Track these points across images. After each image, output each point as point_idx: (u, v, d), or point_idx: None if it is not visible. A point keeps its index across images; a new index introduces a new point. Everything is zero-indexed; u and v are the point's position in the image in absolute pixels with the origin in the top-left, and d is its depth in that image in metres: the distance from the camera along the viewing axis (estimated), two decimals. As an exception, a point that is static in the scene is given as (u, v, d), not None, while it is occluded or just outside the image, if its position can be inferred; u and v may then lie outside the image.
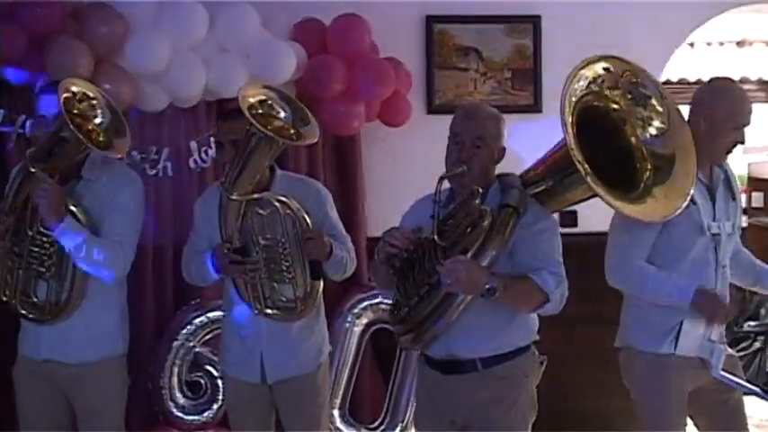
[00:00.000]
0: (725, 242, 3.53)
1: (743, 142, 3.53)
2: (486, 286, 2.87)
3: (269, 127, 3.25)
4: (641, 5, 5.37)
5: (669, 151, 3.20)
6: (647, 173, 3.17)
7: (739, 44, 7.43)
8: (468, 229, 2.99)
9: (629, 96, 3.17)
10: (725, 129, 3.43)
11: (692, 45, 7.22)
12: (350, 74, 4.69)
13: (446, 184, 3.17)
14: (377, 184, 5.08)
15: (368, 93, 4.75)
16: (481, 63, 5.28)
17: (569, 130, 2.95)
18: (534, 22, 5.29)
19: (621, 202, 3.05)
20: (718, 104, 3.44)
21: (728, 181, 3.60)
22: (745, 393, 3.59)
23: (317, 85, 4.64)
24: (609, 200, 2.98)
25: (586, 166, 2.92)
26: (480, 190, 3.02)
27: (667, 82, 6.87)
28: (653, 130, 3.20)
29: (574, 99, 3.04)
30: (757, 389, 3.44)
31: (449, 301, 2.98)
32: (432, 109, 5.21)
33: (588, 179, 2.92)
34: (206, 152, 4.63)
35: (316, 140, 3.51)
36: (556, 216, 4.52)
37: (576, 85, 3.06)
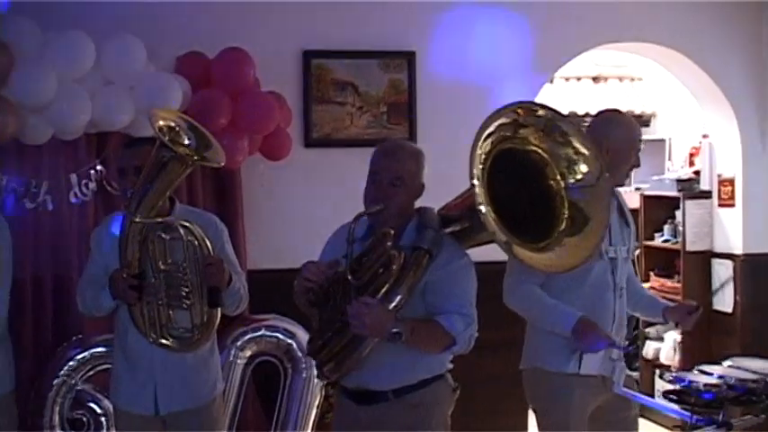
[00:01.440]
0: (621, 266, 3.85)
1: (639, 165, 3.89)
2: (393, 330, 3.03)
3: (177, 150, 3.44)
4: (513, 43, 5.84)
5: (587, 206, 3.25)
6: (562, 223, 3.24)
7: (595, 79, 8.06)
8: (380, 271, 3.10)
9: (549, 137, 3.22)
10: (627, 154, 3.79)
11: (551, 81, 7.74)
12: (234, 108, 4.91)
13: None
14: (256, 217, 5.33)
15: (252, 127, 4.99)
16: (358, 97, 5.63)
17: (476, 176, 2.99)
18: (409, 57, 5.68)
19: (526, 252, 3.10)
20: (617, 133, 3.78)
21: (621, 208, 3.94)
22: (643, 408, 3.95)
23: (201, 119, 4.73)
24: (503, 247, 3.02)
25: (492, 213, 2.98)
26: (392, 232, 3.14)
27: None
28: (577, 177, 3.25)
29: (486, 150, 3.06)
30: (654, 401, 3.82)
31: (360, 339, 3.10)
32: (309, 143, 5.51)
33: (488, 223, 2.96)
34: (86, 185, 4.76)
35: (222, 163, 3.71)
36: None
37: (491, 130, 3.08)
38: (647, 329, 7.20)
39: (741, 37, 6.52)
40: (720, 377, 3.53)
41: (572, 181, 3.23)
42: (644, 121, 8.11)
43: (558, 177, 3.23)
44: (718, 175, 6.78)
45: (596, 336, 3.67)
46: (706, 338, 6.52)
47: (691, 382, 3.46)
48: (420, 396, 3.29)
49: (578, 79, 8.11)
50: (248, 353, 5.05)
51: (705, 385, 3.40)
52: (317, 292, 3.23)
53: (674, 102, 7.66)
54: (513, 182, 3.17)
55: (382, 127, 5.66)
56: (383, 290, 3.08)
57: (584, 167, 3.24)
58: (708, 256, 6.80)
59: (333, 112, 5.62)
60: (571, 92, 7.98)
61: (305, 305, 3.33)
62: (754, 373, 3.60)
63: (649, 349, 7.16)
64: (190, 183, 4.99)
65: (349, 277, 3.13)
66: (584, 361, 3.75)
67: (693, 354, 6.51)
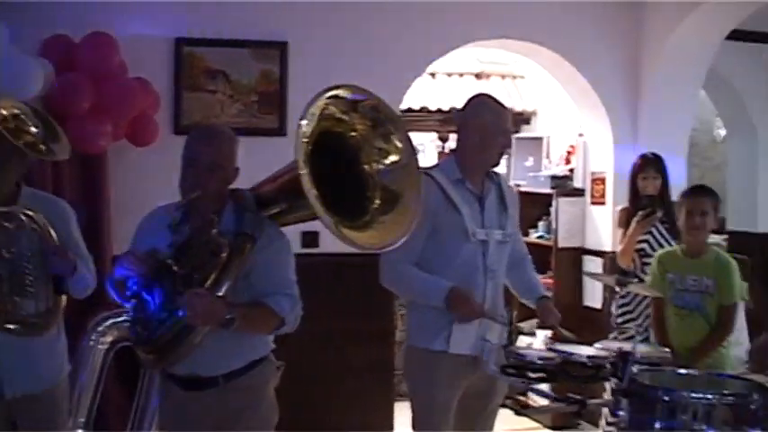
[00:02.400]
0: (494, 249, 4.07)
1: (510, 146, 4.22)
2: (226, 317, 3.17)
3: (20, 141, 3.50)
4: (384, 36, 6.16)
5: (398, 188, 3.44)
6: (375, 204, 3.41)
7: (478, 76, 8.33)
8: (206, 260, 3.22)
9: (370, 125, 3.41)
10: (494, 136, 4.05)
11: (433, 75, 8.07)
12: (97, 92, 5.05)
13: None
14: (123, 204, 5.43)
15: (115, 111, 5.15)
16: (229, 86, 5.85)
17: (301, 159, 3.09)
18: (281, 47, 5.92)
19: (349, 230, 3.24)
20: (485, 116, 4.06)
21: (502, 193, 4.19)
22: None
23: (63, 102, 4.96)
24: (334, 228, 3.15)
25: (315, 192, 3.09)
26: (216, 219, 3.28)
27: (409, 110, 7.67)
28: (387, 163, 3.45)
29: (311, 126, 3.19)
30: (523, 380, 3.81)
31: (190, 328, 3.20)
32: (179, 130, 5.70)
33: (316, 207, 3.08)
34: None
35: (66, 157, 3.82)
36: (297, 236, 5.21)
37: (314, 110, 3.20)
38: (520, 324, 7.61)
39: (615, 39, 6.92)
40: (557, 351, 3.77)
41: (381, 166, 3.42)
42: (524, 118, 8.44)
43: (372, 162, 3.42)
44: (591, 174, 7.17)
45: (469, 305, 3.91)
46: (576, 333, 6.91)
47: (527, 355, 3.72)
48: (249, 378, 3.45)
49: (461, 75, 8.37)
50: (109, 338, 5.17)
51: (539, 358, 3.64)
52: (139, 282, 3.31)
53: (553, 101, 7.99)
54: (330, 162, 3.30)
55: (252, 116, 5.90)
56: (211, 280, 3.21)
57: (394, 157, 3.44)
58: (579, 253, 7.20)
59: (204, 100, 5.84)
60: (453, 87, 8.22)
61: (123, 296, 3.43)
62: (605, 350, 3.82)
63: (522, 344, 7.47)
64: (56, 168, 5.08)
65: (174, 267, 3.24)
66: (453, 340, 3.96)
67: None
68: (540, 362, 3.51)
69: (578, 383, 3.82)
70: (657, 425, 2.67)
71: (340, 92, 3.32)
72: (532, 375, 3.45)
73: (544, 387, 4.10)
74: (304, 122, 3.15)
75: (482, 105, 4.17)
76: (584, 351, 3.63)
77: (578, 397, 2.96)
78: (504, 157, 4.56)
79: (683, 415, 2.64)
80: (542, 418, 7.07)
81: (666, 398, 2.69)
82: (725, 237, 8.55)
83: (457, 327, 3.97)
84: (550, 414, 6.96)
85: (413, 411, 4.18)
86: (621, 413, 2.79)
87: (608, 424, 5.04)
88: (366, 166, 3.42)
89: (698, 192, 5.00)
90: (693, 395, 2.68)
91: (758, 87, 8.59)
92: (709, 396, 2.68)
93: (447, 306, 3.93)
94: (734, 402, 2.68)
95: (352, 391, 6.13)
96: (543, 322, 4.31)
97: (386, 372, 6.39)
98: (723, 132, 9.92)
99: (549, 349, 3.60)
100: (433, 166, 4.31)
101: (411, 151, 3.51)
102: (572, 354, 3.53)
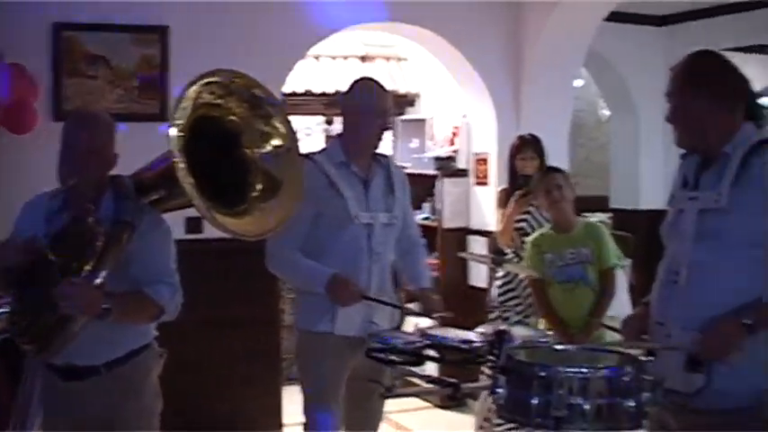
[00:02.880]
0: (379, 232, 4.17)
1: (389, 128, 4.33)
2: (103, 307, 3.16)
3: None
4: (267, 19, 6.21)
5: (279, 174, 3.49)
6: (256, 189, 3.47)
7: (362, 59, 8.46)
8: (83, 248, 3.21)
9: (252, 111, 3.45)
10: (371, 117, 4.15)
11: (317, 58, 8.15)
12: None
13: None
14: (4, 192, 5.34)
15: None
16: (109, 71, 5.83)
17: (175, 148, 3.13)
18: (162, 32, 5.92)
19: (223, 216, 3.27)
20: (362, 98, 4.19)
21: (389, 176, 4.29)
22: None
23: None
24: (209, 215, 3.18)
25: (191, 180, 3.13)
26: (93, 207, 3.27)
27: (293, 93, 7.75)
28: (270, 148, 3.51)
29: (188, 111, 3.21)
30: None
31: (68, 318, 3.19)
32: (59, 116, 5.60)
33: (192, 195, 3.12)
34: None
35: None
36: (181, 221, 5.27)
37: (190, 93, 3.23)
38: (409, 305, 7.78)
39: (497, 21, 7.11)
40: (429, 337, 3.72)
41: (264, 151, 3.48)
42: (408, 101, 8.58)
43: (254, 147, 3.48)
44: (475, 155, 7.36)
45: (349, 292, 4.00)
46: (463, 313, 7.14)
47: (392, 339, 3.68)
48: (131, 367, 3.48)
49: (345, 58, 8.47)
50: (-9, 330, 5.24)
51: (406, 342, 3.62)
52: (18, 271, 3.30)
53: (437, 83, 8.14)
54: (210, 148, 3.36)
55: (133, 101, 5.90)
56: (89, 266, 3.20)
57: (276, 141, 3.51)
58: (464, 233, 7.39)
59: (84, 86, 5.81)
60: (338, 70, 8.31)
61: (1, 287, 3.45)
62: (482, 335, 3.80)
63: (410, 325, 7.68)
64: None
65: (51, 256, 3.24)
66: (338, 322, 4.07)
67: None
68: (404, 346, 3.52)
69: (454, 366, 3.98)
70: (534, 400, 2.71)
71: (214, 77, 3.34)
72: (397, 359, 3.44)
73: (430, 369, 4.22)
74: (177, 113, 3.19)
75: (359, 88, 4.29)
76: (459, 335, 3.75)
77: (452, 380, 3.07)
78: (390, 138, 4.74)
79: (560, 389, 2.68)
80: (431, 398, 7.22)
81: (543, 373, 2.73)
82: (609, 215, 8.90)
83: (342, 309, 4.07)
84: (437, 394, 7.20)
85: (303, 393, 4.28)
86: (500, 390, 2.80)
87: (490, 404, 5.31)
88: (248, 151, 3.48)
89: (548, 171, 5.36)
90: (569, 370, 2.74)
91: (639, 68, 8.91)
92: (584, 370, 2.75)
93: (327, 293, 4.03)
94: (607, 375, 2.75)
95: (240, 377, 6.21)
96: (425, 311, 4.40)
97: (273, 357, 6.47)
98: (607, 113, 10.25)
99: (422, 334, 3.68)
100: (319, 151, 4.37)
101: (293, 136, 3.58)
102: (444, 338, 3.58)
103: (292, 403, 5.43)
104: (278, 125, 3.53)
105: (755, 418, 2.89)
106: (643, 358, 2.88)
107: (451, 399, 2.94)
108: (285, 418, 6.46)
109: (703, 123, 3.15)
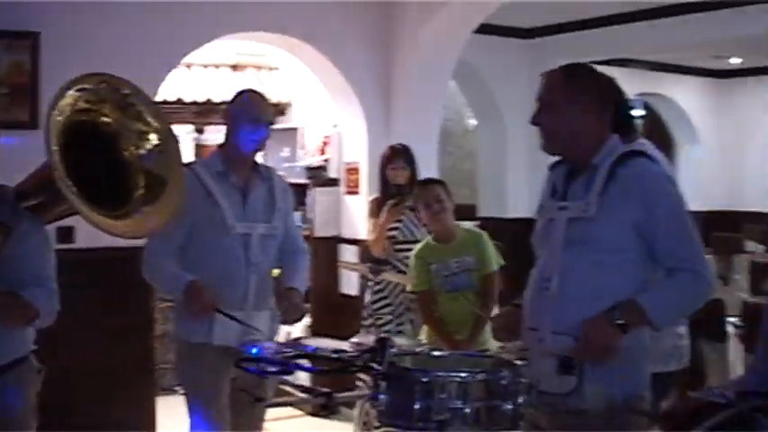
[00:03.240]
0: (256, 242, 4.23)
1: (264, 137, 4.32)
2: None
3: None
4: (139, 27, 6.23)
5: (162, 172, 3.58)
6: (140, 190, 3.54)
7: (234, 68, 8.56)
8: None
9: (123, 112, 3.52)
10: (248, 128, 4.24)
11: (189, 66, 8.20)
12: None
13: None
14: None
15: None
16: None
17: (53, 150, 3.21)
18: (33, 38, 5.84)
19: (106, 219, 3.35)
20: (238, 109, 4.29)
21: (272, 186, 4.36)
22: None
23: None
24: (92, 218, 3.27)
25: (70, 183, 3.20)
26: None
27: (164, 102, 7.73)
28: (148, 147, 3.59)
29: (60, 118, 3.30)
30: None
31: None
32: None
33: (72, 198, 3.19)
34: None
35: None
36: (52, 232, 5.27)
37: (64, 102, 3.32)
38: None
39: (368, 32, 7.26)
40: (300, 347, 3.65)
41: (143, 151, 3.58)
42: (279, 110, 8.65)
43: (132, 148, 3.57)
44: (346, 164, 7.51)
45: (201, 302, 4.05)
46: (335, 320, 7.32)
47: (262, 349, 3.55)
48: (5, 380, 3.47)
49: (217, 67, 8.56)
50: None
51: (275, 352, 3.50)
52: None
53: (308, 92, 8.27)
54: (89, 153, 3.43)
55: (3, 109, 5.81)
56: None
57: (154, 138, 3.61)
58: (335, 242, 7.52)
59: (-47, 94, 5.59)
60: (210, 79, 8.40)
61: None
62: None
63: (282, 332, 7.80)
64: None
65: None
66: (216, 332, 4.11)
67: (323, 335, 7.28)
68: (273, 356, 3.40)
69: (328, 375, 4.10)
70: (417, 405, 2.78)
71: (83, 83, 3.41)
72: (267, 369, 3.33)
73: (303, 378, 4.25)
74: (50, 121, 3.26)
75: (240, 99, 4.39)
76: (331, 345, 3.78)
77: (325, 390, 3.12)
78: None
79: (441, 394, 2.76)
80: (305, 406, 7.32)
81: (424, 379, 2.80)
82: (476, 222, 9.16)
83: (219, 319, 4.10)
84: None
85: (186, 403, 4.32)
86: (382, 397, 2.88)
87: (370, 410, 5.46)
88: (126, 153, 3.55)
89: (427, 183, 5.45)
90: (449, 375, 2.82)
91: (505, 79, 9.25)
92: (463, 375, 2.84)
93: (184, 299, 4.10)
94: (486, 379, 2.85)
95: (113, 387, 6.17)
96: (279, 309, 4.40)
97: (147, 367, 6.49)
98: (474, 122, 10.56)
99: (294, 344, 3.71)
100: (199, 160, 4.48)
101: (169, 133, 3.67)
102: (316, 348, 3.52)
103: (167, 413, 5.45)
104: (151, 120, 3.61)
105: (624, 416, 3.06)
106: (518, 362, 3.00)
107: (324, 408, 2.98)
108: (159, 429, 6.50)
109: (575, 132, 3.28)
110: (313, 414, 7.41)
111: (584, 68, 3.40)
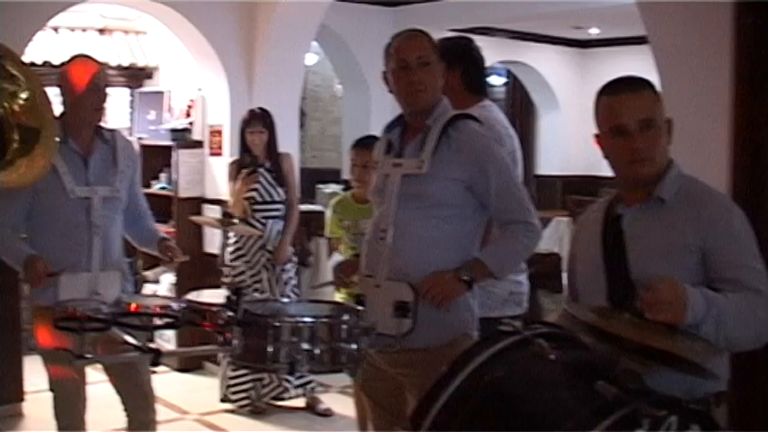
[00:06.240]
0: (98, 205, 4.22)
1: (102, 102, 4.29)
2: None
3: None
4: None
5: (35, 125, 3.70)
6: (14, 144, 3.64)
7: (101, 31, 8.59)
8: None
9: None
10: (84, 95, 4.17)
11: (56, 30, 8.21)
12: None
13: None
14: None
15: None
16: None
17: None
18: None
19: None
20: (68, 75, 4.21)
21: (114, 150, 4.35)
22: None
23: None
24: None
25: None
26: None
27: (32, 64, 7.57)
28: (20, 102, 3.69)
29: None
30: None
31: None
32: None
33: None
34: None
35: None
36: None
37: None
38: (145, 272, 8.08)
39: (232, -3, 7.31)
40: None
41: (16, 107, 3.69)
42: (146, 73, 8.80)
43: (6, 104, 3.67)
44: (210, 127, 7.71)
45: (36, 273, 4.07)
46: (199, 279, 7.48)
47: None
48: None
49: (84, 30, 8.57)
50: None
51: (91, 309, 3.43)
52: None
53: (174, 56, 8.39)
54: None
55: None
56: None
57: (24, 94, 3.71)
58: (199, 202, 7.73)
59: None
60: (77, 42, 8.38)
61: None
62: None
63: (147, 291, 7.86)
64: None
65: None
66: (61, 294, 4.06)
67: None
68: (93, 314, 3.31)
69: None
70: (269, 348, 2.96)
71: None
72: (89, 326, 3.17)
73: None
74: None
75: (72, 66, 4.32)
76: (157, 302, 3.77)
77: (152, 345, 3.18)
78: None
79: (291, 337, 2.96)
80: (170, 362, 7.59)
81: (276, 323, 2.98)
82: (343, 186, 9.44)
83: (64, 281, 4.13)
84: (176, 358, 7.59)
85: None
86: (237, 342, 3.02)
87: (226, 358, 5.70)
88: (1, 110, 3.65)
89: (361, 145, 5.45)
90: (298, 319, 3.03)
91: (370, 45, 9.48)
92: (310, 319, 3.04)
93: (23, 273, 4.15)
94: (330, 323, 3.07)
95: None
96: (166, 259, 4.49)
97: (13, 327, 6.60)
98: (341, 88, 10.82)
99: (116, 303, 3.74)
100: None
101: (39, 87, 3.76)
102: (145, 306, 3.59)
103: (34, 372, 5.55)
104: (21, 78, 3.75)
105: (448, 354, 3.18)
106: (359, 307, 3.20)
107: (154, 364, 3.08)
108: (27, 387, 6.65)
109: (437, 89, 3.61)
110: (179, 369, 7.67)
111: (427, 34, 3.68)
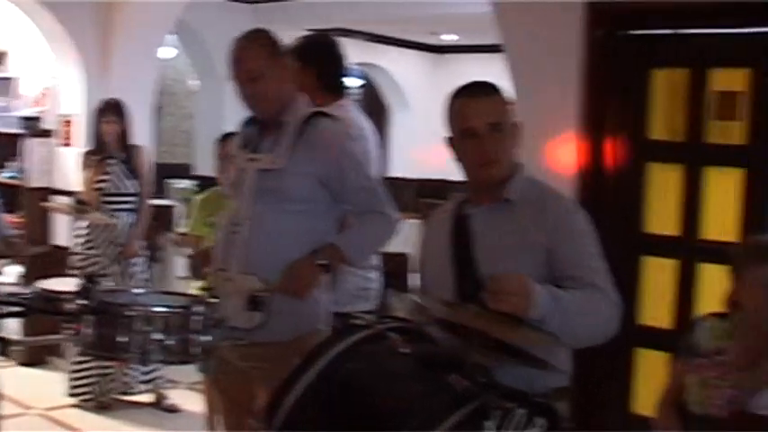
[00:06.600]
0: None
1: None
2: None
3: None
4: None
5: None
6: None
7: None
8: None
9: None
10: None
11: None
12: None
13: None
14: None
15: None
16: None
17: None
18: None
19: None
20: None
21: None
22: None
23: None
24: None
25: None
26: None
27: None
28: None
29: None
30: None
31: None
32: None
33: None
34: None
35: None
36: None
37: None
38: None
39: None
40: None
41: None
42: (-4, 58, 8.52)
43: None
44: (61, 116, 7.58)
45: None
46: (47, 270, 7.34)
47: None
48: None
49: None
50: None
51: None
52: None
53: (26, 41, 8.16)
54: None
55: None
56: None
57: None
58: (49, 192, 7.57)
59: None
60: None
61: None
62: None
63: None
64: None
65: None
66: None
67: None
68: None
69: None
70: (121, 337, 2.93)
71: None
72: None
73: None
74: None
75: None
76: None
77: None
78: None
79: (144, 326, 2.93)
80: (14, 356, 7.38)
81: (129, 313, 2.96)
82: (195, 182, 9.43)
83: None
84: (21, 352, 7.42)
85: None
86: (88, 330, 2.97)
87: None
88: None
89: (227, 139, 5.39)
90: (150, 309, 3.01)
91: (226, 41, 9.44)
92: (163, 309, 3.04)
93: None
94: (183, 313, 3.05)
95: None
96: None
97: None
98: (197, 83, 10.77)
99: None
100: None
101: None
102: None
103: None
104: None
105: (300, 348, 3.18)
106: (211, 300, 3.19)
107: (1, 353, 3.02)
108: None
109: (278, 95, 3.62)
110: (23, 364, 7.47)
111: (269, 32, 3.72)
